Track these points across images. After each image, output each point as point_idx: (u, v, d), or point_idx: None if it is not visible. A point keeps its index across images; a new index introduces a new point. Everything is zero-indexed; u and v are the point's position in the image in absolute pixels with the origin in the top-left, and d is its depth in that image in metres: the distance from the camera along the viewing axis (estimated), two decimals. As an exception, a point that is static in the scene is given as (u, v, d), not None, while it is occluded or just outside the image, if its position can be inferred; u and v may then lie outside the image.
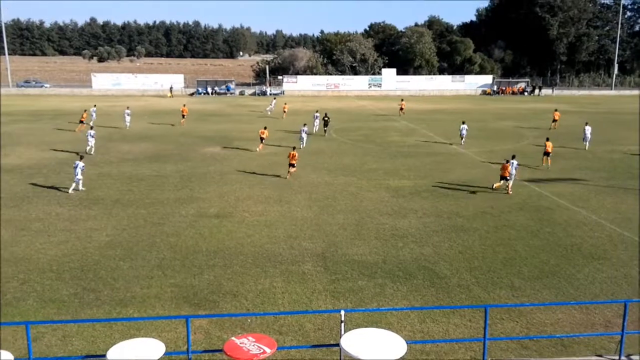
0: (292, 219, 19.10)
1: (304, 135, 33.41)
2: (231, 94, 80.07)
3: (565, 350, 10.78)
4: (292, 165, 25.34)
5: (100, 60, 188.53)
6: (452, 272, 14.56)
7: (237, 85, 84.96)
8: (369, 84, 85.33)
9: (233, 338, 7.99)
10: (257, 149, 32.29)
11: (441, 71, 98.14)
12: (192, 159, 29.79)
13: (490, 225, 18.51)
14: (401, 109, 53.11)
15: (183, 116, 44.27)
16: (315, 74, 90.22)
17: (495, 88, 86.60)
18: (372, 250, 16.12)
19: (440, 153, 32.50)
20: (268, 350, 7.60)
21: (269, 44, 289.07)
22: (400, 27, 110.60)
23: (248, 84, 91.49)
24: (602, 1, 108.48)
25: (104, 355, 7.64)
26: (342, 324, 8.85)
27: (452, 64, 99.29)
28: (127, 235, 17.26)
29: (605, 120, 48.86)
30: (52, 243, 16.46)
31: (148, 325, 11.56)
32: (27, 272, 14.27)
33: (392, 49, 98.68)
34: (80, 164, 22.39)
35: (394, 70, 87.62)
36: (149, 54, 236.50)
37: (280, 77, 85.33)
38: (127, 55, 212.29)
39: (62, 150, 31.91)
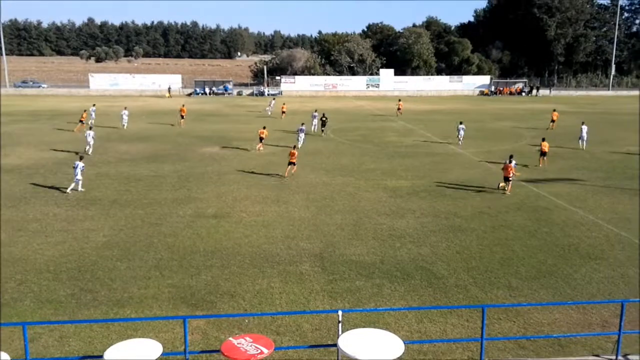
0: (289, 219, 19.10)
1: (301, 134, 33.48)
2: (229, 94, 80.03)
3: (563, 350, 10.80)
4: (292, 163, 25.36)
5: (98, 60, 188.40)
6: (450, 272, 14.57)
7: (234, 85, 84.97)
8: (367, 85, 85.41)
9: (230, 338, 7.99)
10: (257, 149, 32.29)
11: (439, 72, 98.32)
12: (189, 159, 29.76)
13: (487, 226, 18.53)
14: (399, 109, 53.20)
15: (182, 116, 43.59)
16: (313, 74, 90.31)
17: (492, 88, 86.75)
18: (369, 250, 16.12)
19: (438, 153, 32.53)
20: (265, 351, 7.60)
21: (266, 44, 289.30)
22: (398, 27, 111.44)
23: (246, 85, 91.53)
24: (600, 2, 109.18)
25: (101, 356, 7.64)
26: (340, 324, 8.85)
27: (450, 65, 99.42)
28: (124, 235, 17.24)
29: (602, 120, 48.98)
30: (50, 243, 16.43)
31: (145, 326, 11.54)
32: (24, 273, 14.23)
33: (390, 50, 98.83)
34: (80, 164, 22.35)
35: (391, 70, 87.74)
36: (146, 54, 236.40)
37: (278, 78, 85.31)
38: (125, 56, 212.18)
39: (61, 150, 31.87)
